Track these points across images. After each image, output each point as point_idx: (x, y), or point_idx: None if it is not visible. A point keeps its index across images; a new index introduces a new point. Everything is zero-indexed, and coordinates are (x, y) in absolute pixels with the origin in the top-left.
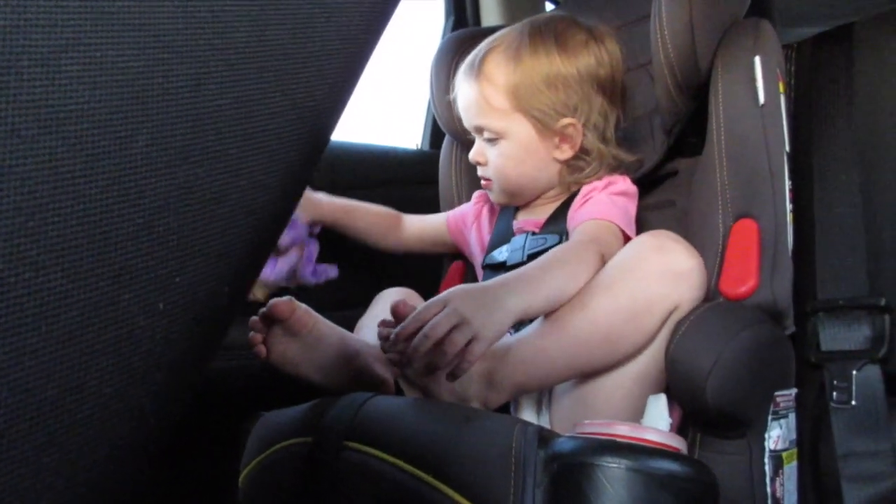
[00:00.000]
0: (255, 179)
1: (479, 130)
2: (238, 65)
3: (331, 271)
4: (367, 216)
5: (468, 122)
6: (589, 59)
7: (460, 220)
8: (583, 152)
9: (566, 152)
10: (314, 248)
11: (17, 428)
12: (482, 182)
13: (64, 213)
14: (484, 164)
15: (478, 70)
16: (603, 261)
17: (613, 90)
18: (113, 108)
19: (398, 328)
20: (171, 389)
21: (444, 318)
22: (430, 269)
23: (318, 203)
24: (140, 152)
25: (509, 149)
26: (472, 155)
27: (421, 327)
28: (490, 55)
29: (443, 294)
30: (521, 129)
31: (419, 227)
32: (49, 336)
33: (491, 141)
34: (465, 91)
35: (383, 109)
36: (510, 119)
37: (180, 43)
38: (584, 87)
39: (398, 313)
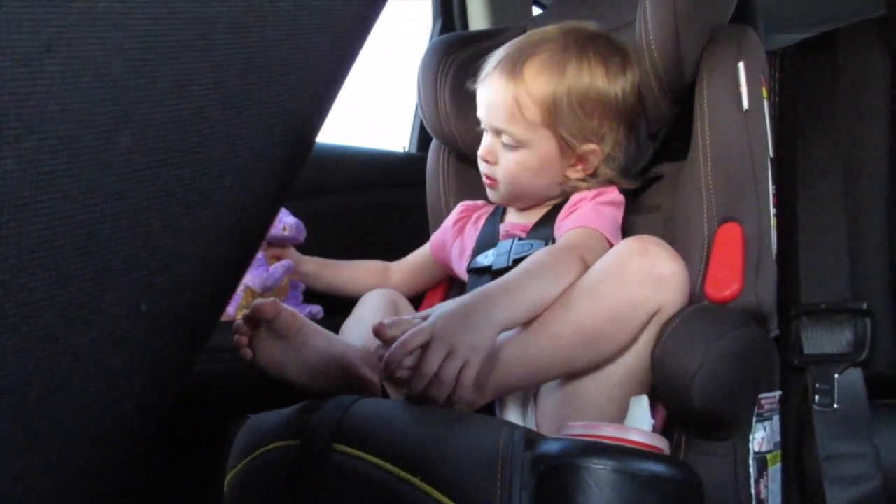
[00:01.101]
0: (239, 181)
1: (498, 132)
2: (222, 66)
3: (316, 312)
4: (350, 271)
5: (490, 121)
6: (626, 84)
7: (440, 238)
8: (591, 175)
9: (578, 173)
10: (300, 289)
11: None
12: (485, 180)
13: (45, 214)
14: (493, 164)
15: (518, 72)
16: (586, 266)
17: (634, 116)
18: (95, 108)
19: (386, 354)
20: (154, 391)
21: (433, 353)
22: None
23: (300, 261)
24: (122, 153)
25: (527, 159)
26: (482, 151)
27: (406, 354)
28: (532, 60)
29: (427, 322)
30: (543, 144)
31: (408, 267)
32: (30, 337)
33: (508, 146)
34: (496, 90)
35: (372, 112)
36: (536, 132)
37: (164, 44)
38: (616, 115)
39: (380, 336)
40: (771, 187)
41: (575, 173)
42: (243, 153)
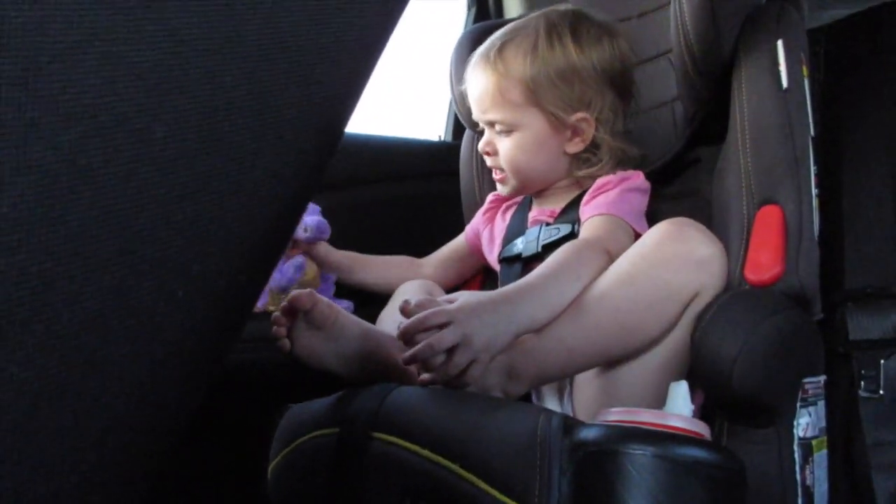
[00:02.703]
0: (270, 170)
1: (491, 123)
2: (253, 57)
3: (346, 307)
4: (381, 264)
5: (479, 114)
6: (603, 53)
7: (474, 229)
8: (593, 146)
9: (577, 145)
10: (331, 282)
11: (43, 410)
12: (494, 175)
13: (83, 204)
14: (493, 155)
15: (494, 62)
16: (610, 257)
17: (624, 85)
18: (130, 101)
19: (404, 324)
20: (191, 377)
21: (448, 333)
22: None
23: (331, 254)
24: (157, 144)
25: (521, 141)
26: (482, 146)
27: (421, 329)
28: (506, 47)
29: (450, 306)
30: (534, 122)
31: (440, 260)
32: (71, 324)
33: (502, 133)
34: (478, 82)
35: (407, 101)
36: (524, 112)
37: (195, 36)
38: (597, 82)
39: (404, 312)
40: (813, 168)
41: (574, 147)
42: (274, 143)
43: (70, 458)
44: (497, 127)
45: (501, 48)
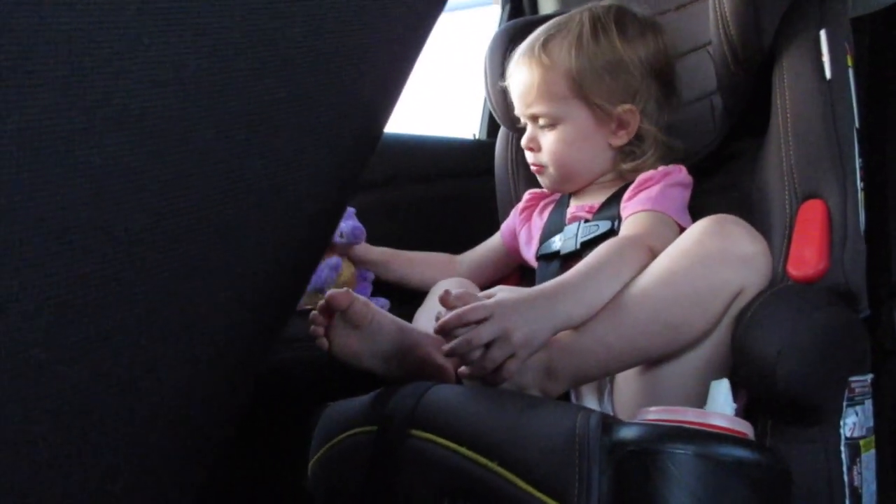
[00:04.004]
0: (310, 172)
1: (535, 118)
2: (294, 59)
3: (382, 304)
4: (419, 261)
5: (524, 109)
6: (647, 47)
7: (510, 225)
8: (637, 139)
9: (622, 138)
10: (369, 281)
11: (94, 410)
12: (532, 168)
13: (130, 208)
14: (537, 151)
15: (539, 55)
16: (653, 255)
17: (668, 78)
18: (174, 104)
19: (442, 318)
20: (236, 377)
21: (487, 327)
22: None
23: (369, 250)
24: (200, 147)
25: (566, 134)
26: (525, 141)
27: (460, 324)
28: (551, 41)
29: (490, 301)
30: (579, 115)
31: (476, 258)
32: (120, 327)
33: (546, 127)
34: (522, 77)
35: (442, 99)
36: (569, 105)
37: (237, 39)
38: (643, 74)
39: (444, 303)
40: (858, 161)
41: (618, 139)
42: (313, 146)
43: (120, 456)
44: (541, 121)
45: (546, 42)
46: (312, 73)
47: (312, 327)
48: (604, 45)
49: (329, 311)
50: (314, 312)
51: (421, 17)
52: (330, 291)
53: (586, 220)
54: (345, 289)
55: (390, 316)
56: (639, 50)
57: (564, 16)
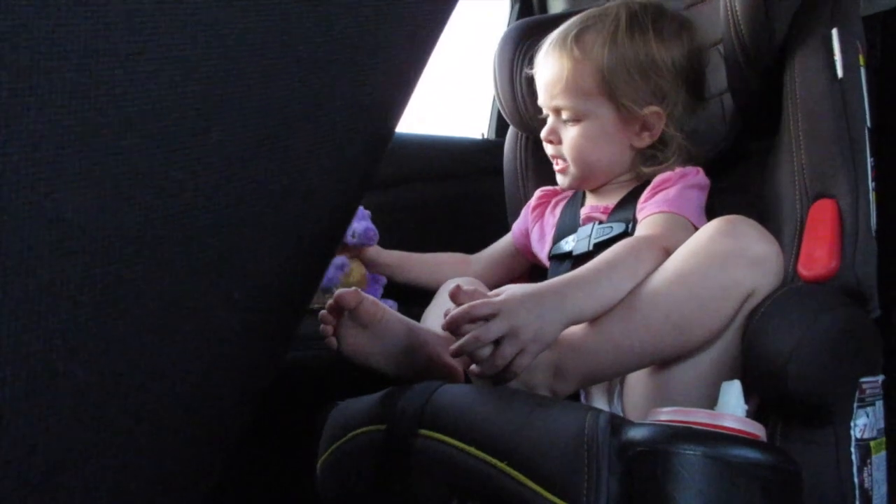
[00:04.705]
0: (322, 172)
1: (557, 110)
2: (306, 59)
3: (390, 306)
4: (431, 262)
5: (548, 100)
6: (682, 49)
7: (521, 225)
8: (660, 142)
9: (645, 140)
10: (381, 284)
11: (106, 412)
12: (554, 165)
13: (143, 208)
14: (556, 144)
15: (571, 47)
16: (668, 256)
17: (698, 81)
18: (187, 104)
19: (450, 314)
20: (248, 376)
21: (495, 324)
22: None
23: (381, 254)
24: (213, 147)
25: (589, 130)
26: (545, 132)
27: (468, 320)
28: (584, 33)
29: (498, 299)
30: (604, 113)
31: (488, 258)
32: (133, 325)
33: (570, 121)
34: (551, 66)
35: (450, 98)
36: (596, 101)
37: (250, 39)
38: (674, 77)
39: (453, 298)
40: (870, 160)
41: (641, 141)
42: (326, 145)
43: (131, 458)
44: (564, 114)
45: (579, 34)
46: (325, 72)
47: (321, 326)
48: (639, 43)
49: (338, 310)
50: (323, 312)
51: (435, 15)
52: (339, 291)
53: (600, 222)
54: (353, 288)
55: (399, 315)
56: (673, 51)
57: (599, 9)
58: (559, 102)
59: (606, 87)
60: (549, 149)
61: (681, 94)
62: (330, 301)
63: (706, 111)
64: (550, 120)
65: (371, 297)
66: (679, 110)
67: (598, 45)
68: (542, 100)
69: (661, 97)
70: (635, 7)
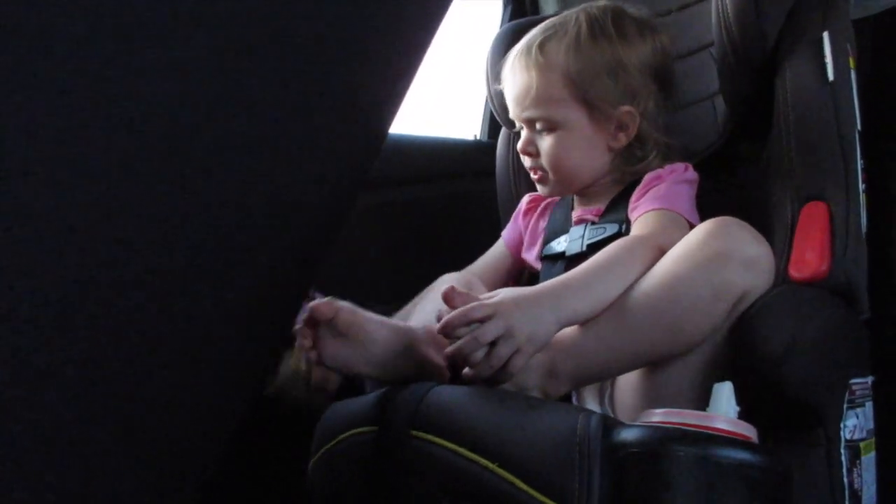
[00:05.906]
0: (315, 173)
1: (531, 122)
2: (299, 60)
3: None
4: (434, 302)
5: (519, 112)
6: (646, 48)
7: (513, 234)
8: (637, 140)
9: (621, 140)
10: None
11: (99, 413)
12: (533, 176)
13: (136, 210)
14: (535, 156)
15: (536, 57)
16: (662, 254)
17: (666, 78)
18: (181, 105)
19: (445, 318)
20: (241, 380)
21: (491, 326)
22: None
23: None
24: (206, 150)
25: (565, 137)
26: (521, 146)
27: (463, 323)
28: (547, 42)
29: (493, 300)
30: (577, 118)
31: (484, 267)
32: (127, 328)
33: (544, 131)
34: (518, 79)
35: (442, 100)
36: (567, 108)
37: (244, 42)
38: (642, 74)
39: (447, 300)
40: (860, 163)
41: (618, 142)
42: (319, 146)
43: (123, 459)
44: (538, 125)
45: (543, 43)
46: (320, 73)
47: (299, 340)
48: (603, 45)
49: (314, 322)
50: (299, 326)
51: (429, 17)
52: (313, 303)
53: (593, 223)
54: (328, 298)
55: (380, 319)
56: (638, 50)
57: (559, 17)
58: (531, 113)
59: (576, 92)
60: (527, 161)
61: (651, 90)
62: (305, 314)
63: (700, 112)
64: (524, 132)
65: (349, 306)
66: (652, 107)
67: (563, 51)
68: (514, 112)
69: (632, 96)
70: (594, 11)
